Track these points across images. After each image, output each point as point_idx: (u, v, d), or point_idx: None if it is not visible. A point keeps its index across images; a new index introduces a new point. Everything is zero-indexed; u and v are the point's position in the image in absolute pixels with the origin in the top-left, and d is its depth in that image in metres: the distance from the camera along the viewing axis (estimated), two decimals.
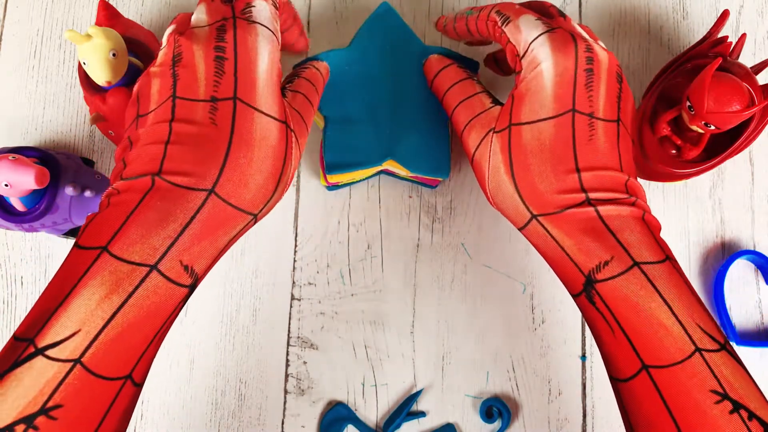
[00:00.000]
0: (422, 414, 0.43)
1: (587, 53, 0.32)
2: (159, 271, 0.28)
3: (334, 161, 0.40)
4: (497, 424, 0.43)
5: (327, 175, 0.41)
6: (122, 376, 0.28)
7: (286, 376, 0.44)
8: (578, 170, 0.31)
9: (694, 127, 0.38)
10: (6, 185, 0.37)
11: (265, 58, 0.31)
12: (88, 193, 0.41)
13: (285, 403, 0.44)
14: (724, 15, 0.40)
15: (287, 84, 0.37)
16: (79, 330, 0.27)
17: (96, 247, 0.28)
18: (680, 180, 0.43)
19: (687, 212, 0.45)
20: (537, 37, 0.33)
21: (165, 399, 0.44)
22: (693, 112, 0.37)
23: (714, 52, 0.41)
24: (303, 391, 0.44)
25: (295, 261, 0.45)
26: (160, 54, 0.32)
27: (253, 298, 0.45)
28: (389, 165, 0.41)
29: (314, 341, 0.44)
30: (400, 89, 0.42)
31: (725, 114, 0.36)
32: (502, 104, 0.36)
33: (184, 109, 0.30)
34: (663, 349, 0.29)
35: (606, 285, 0.30)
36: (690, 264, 0.45)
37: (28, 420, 0.26)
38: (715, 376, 0.28)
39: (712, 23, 0.42)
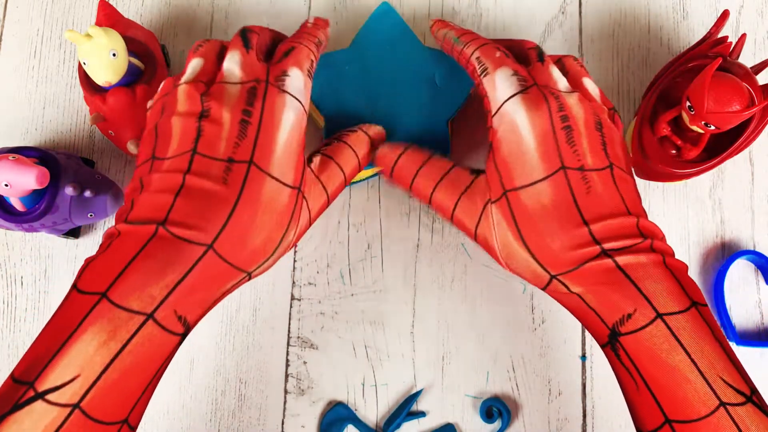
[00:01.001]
0: (422, 414, 0.43)
1: (560, 112, 0.32)
2: (155, 320, 0.29)
3: None
4: (497, 424, 0.43)
5: None
6: (119, 421, 0.29)
7: (286, 376, 0.44)
8: (586, 223, 0.31)
9: (694, 127, 0.38)
10: (6, 185, 0.37)
11: (287, 127, 0.32)
12: (88, 193, 0.41)
13: (285, 403, 0.44)
14: (724, 15, 0.40)
15: (325, 146, 0.38)
16: (79, 375, 0.27)
17: (95, 292, 0.28)
18: (680, 180, 0.43)
19: (687, 212, 0.45)
20: (510, 98, 0.33)
21: (165, 399, 0.44)
22: (693, 112, 0.37)
23: (714, 52, 0.41)
24: (303, 391, 0.44)
25: (295, 261, 0.45)
26: (183, 96, 0.32)
27: (253, 298, 0.45)
28: None
29: (314, 341, 0.44)
30: (399, 89, 0.42)
31: (725, 114, 0.36)
32: (481, 171, 0.35)
33: (201, 165, 0.30)
34: (687, 403, 0.29)
35: (630, 338, 0.30)
36: (690, 264, 0.45)
37: None
38: (740, 431, 0.28)
39: (712, 23, 0.42)
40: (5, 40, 0.49)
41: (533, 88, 0.33)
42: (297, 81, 0.33)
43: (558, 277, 0.32)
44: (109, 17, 0.43)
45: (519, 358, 0.44)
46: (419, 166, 0.37)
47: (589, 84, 0.36)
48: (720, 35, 0.41)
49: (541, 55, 0.35)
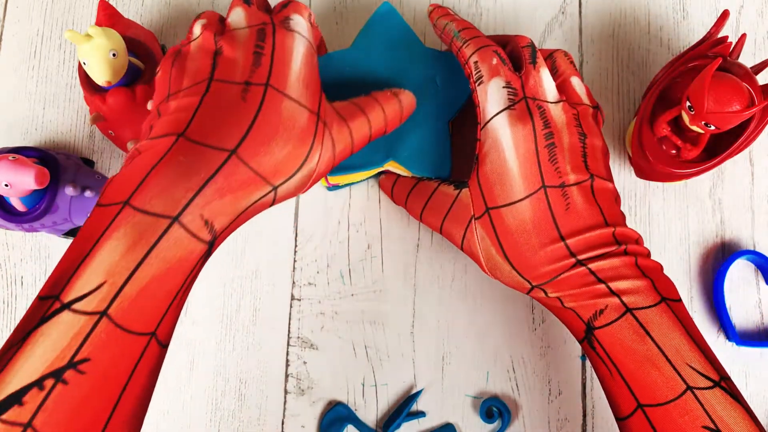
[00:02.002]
0: (422, 414, 0.43)
1: (545, 129, 0.34)
2: (180, 224, 0.28)
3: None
4: (497, 424, 0.43)
5: (327, 176, 0.41)
6: (148, 332, 0.28)
7: (286, 376, 0.44)
8: (563, 238, 0.33)
9: (694, 127, 0.38)
10: (6, 185, 0.37)
11: (299, 57, 0.33)
12: (88, 193, 0.41)
13: (285, 403, 0.44)
14: (724, 15, 0.40)
15: (355, 98, 0.37)
16: (105, 282, 0.27)
17: (117, 202, 0.28)
18: (680, 180, 0.43)
19: (687, 212, 0.45)
20: (498, 114, 0.34)
21: (165, 399, 0.44)
22: (693, 112, 0.37)
23: (714, 52, 0.41)
24: (303, 391, 0.44)
25: (295, 261, 0.45)
26: (196, 43, 0.33)
27: (253, 298, 0.45)
28: (390, 166, 0.41)
29: (314, 341, 0.44)
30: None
31: (725, 114, 0.36)
32: (463, 184, 0.37)
33: (219, 87, 0.31)
34: (655, 388, 0.31)
35: (603, 331, 0.33)
36: (690, 264, 0.45)
37: (56, 374, 0.26)
38: (707, 413, 0.30)
39: (712, 23, 0.42)
40: (5, 40, 0.49)
41: (521, 104, 0.34)
42: (302, 23, 0.34)
43: (538, 286, 0.34)
44: (109, 17, 0.43)
45: (519, 358, 0.44)
46: (408, 191, 0.41)
47: (577, 84, 0.37)
48: (720, 35, 0.41)
49: (533, 55, 0.36)
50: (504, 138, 0.34)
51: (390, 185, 0.43)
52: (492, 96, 0.35)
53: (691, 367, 0.31)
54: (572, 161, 0.34)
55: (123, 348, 0.27)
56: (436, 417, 0.43)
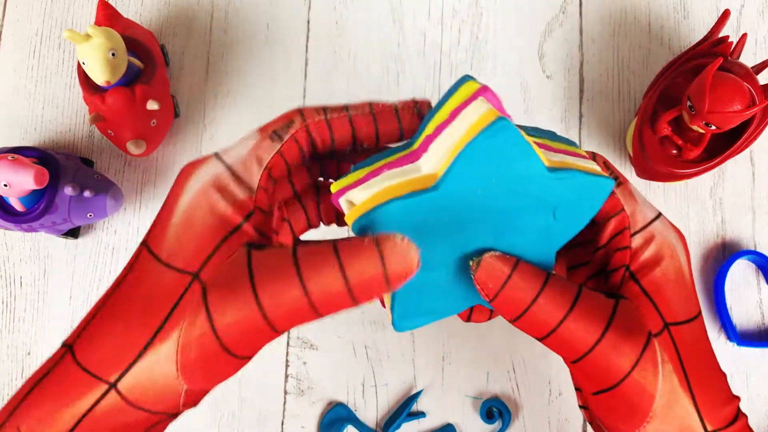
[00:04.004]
0: (422, 414, 0.43)
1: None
2: None
3: (406, 310, 0.27)
4: (497, 424, 0.43)
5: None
6: None
7: (286, 376, 0.44)
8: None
9: (695, 127, 0.38)
10: (5, 185, 0.37)
11: (185, 202, 0.24)
12: (87, 193, 0.41)
13: (285, 403, 0.44)
14: (725, 15, 0.40)
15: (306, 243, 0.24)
16: None
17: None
18: (681, 180, 0.43)
19: (688, 212, 0.45)
20: (657, 218, 0.28)
21: None
22: (694, 112, 0.37)
23: (715, 52, 0.41)
24: (303, 391, 0.44)
25: None
26: None
27: None
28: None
29: (314, 341, 0.44)
30: (503, 225, 0.27)
31: (726, 114, 0.36)
32: (617, 295, 0.27)
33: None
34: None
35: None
36: (691, 264, 0.45)
37: None
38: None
39: (713, 23, 0.42)
40: (4, 40, 0.49)
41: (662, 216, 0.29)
42: (238, 149, 0.26)
43: None
44: (108, 17, 0.43)
45: (519, 358, 0.44)
46: (541, 285, 0.26)
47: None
48: (721, 35, 0.41)
49: (614, 178, 0.29)
50: (677, 244, 0.28)
51: (502, 278, 0.26)
52: (640, 198, 0.29)
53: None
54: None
55: None
56: (436, 417, 0.43)
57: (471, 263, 0.26)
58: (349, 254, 0.22)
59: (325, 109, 0.26)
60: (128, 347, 0.23)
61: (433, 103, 0.26)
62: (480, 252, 0.26)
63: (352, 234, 0.26)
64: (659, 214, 0.28)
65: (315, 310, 0.22)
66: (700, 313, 0.28)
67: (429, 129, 0.25)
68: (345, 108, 0.26)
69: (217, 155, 0.25)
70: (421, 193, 0.23)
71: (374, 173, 0.25)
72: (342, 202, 0.25)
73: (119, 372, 0.23)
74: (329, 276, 0.22)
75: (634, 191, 0.28)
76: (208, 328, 0.22)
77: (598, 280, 0.29)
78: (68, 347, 0.24)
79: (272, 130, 0.25)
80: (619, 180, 0.28)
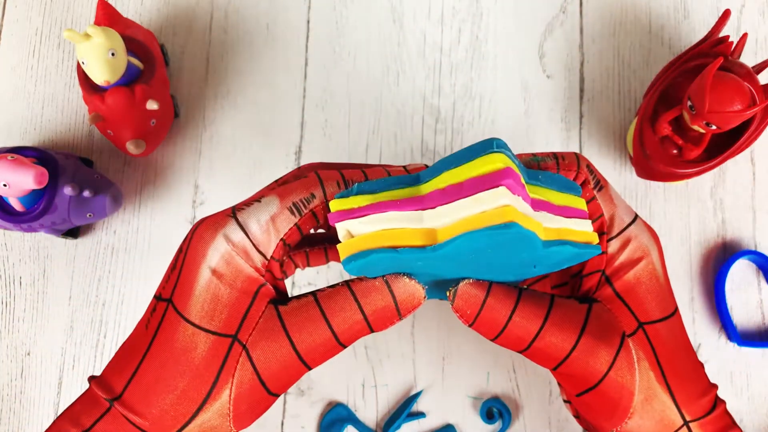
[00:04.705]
0: (422, 415, 0.43)
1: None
2: None
3: None
4: (498, 425, 0.43)
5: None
6: None
7: None
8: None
9: (696, 127, 0.38)
10: (5, 185, 0.37)
11: (207, 269, 0.25)
12: (86, 193, 0.41)
13: (285, 403, 0.44)
14: (726, 14, 0.40)
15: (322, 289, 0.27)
16: None
17: None
18: (681, 180, 0.43)
19: (688, 212, 0.45)
20: (634, 221, 0.29)
21: None
22: (694, 112, 0.37)
23: (715, 52, 0.40)
24: (303, 391, 0.44)
25: None
26: None
27: None
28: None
29: None
30: (484, 270, 0.27)
31: (726, 114, 0.36)
32: (589, 299, 0.29)
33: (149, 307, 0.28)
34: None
35: None
36: (691, 264, 0.45)
37: None
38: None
39: (714, 23, 0.42)
40: (4, 40, 0.49)
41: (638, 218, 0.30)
42: (257, 215, 0.26)
43: (690, 423, 0.28)
44: (108, 16, 0.43)
45: (519, 358, 0.44)
46: (514, 304, 0.27)
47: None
48: (721, 35, 0.41)
49: (595, 182, 0.29)
50: (651, 246, 0.29)
51: (478, 302, 0.27)
52: (619, 201, 0.29)
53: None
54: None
55: None
56: (436, 418, 0.43)
57: (448, 293, 0.27)
58: (364, 293, 0.26)
59: (343, 176, 0.27)
60: (181, 411, 0.25)
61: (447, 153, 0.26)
62: (456, 281, 0.27)
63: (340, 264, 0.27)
64: (636, 217, 0.29)
65: (339, 343, 0.26)
66: (676, 309, 0.29)
67: (441, 182, 0.25)
68: (362, 171, 0.27)
69: (234, 217, 0.26)
70: (417, 250, 0.24)
71: (377, 208, 0.25)
72: (339, 227, 0.26)
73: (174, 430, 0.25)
74: (349, 311, 0.26)
75: (614, 194, 0.29)
76: (256, 381, 0.25)
77: (573, 283, 0.30)
78: (112, 401, 0.25)
79: (292, 203, 0.26)
80: (600, 184, 0.29)
